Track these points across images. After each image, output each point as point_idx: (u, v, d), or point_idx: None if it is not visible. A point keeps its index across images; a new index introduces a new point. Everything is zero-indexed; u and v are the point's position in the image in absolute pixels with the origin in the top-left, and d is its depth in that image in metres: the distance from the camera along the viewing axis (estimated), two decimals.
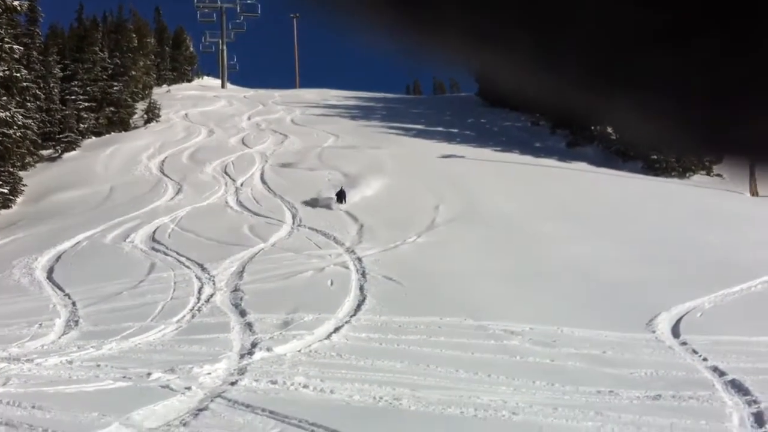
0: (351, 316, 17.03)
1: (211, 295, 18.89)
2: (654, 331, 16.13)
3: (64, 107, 48.57)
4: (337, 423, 9.42)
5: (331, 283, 19.82)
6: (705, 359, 14.14)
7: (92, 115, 51.08)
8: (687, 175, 40.22)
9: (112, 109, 53.64)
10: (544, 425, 10.36)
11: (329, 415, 10.02)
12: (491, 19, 0.95)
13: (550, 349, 14.61)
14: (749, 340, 15.15)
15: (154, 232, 26.90)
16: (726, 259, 21.43)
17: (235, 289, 19.34)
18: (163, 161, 41.92)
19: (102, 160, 42.91)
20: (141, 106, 58.07)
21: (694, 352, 14.68)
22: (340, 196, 31.25)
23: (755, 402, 11.50)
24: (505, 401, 11.35)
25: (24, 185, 37.44)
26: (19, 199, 36.30)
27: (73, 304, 18.41)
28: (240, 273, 21.09)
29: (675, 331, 16.11)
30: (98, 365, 12.98)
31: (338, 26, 1.02)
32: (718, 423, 10.55)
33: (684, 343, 15.29)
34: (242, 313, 17.11)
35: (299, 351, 14.43)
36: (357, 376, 12.68)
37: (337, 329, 15.97)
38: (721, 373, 13.19)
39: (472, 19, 0.96)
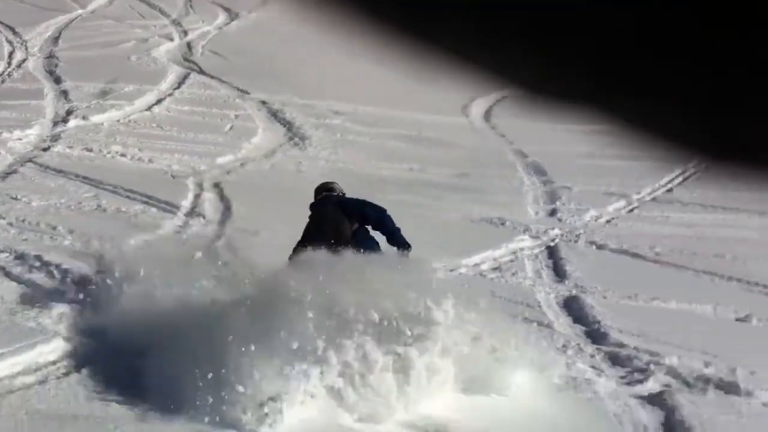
0: (174, 89, 16.64)
1: (23, 61, 17.78)
2: (468, 116, 16.94)
3: None
4: (152, 190, 9.51)
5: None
6: (511, 143, 15.14)
7: None
8: None
9: None
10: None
11: (146, 182, 10.07)
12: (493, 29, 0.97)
13: (370, 128, 15.08)
14: (554, 126, 16.25)
15: None
16: None
17: (50, 56, 18.26)
18: None
19: None
20: None
21: (502, 136, 15.65)
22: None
23: (550, 182, 12.58)
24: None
25: None
26: None
27: None
28: (55, 39, 19.82)
29: (487, 116, 16.98)
30: None
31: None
32: (515, 197, 11.51)
33: (494, 128, 16.23)
34: (57, 81, 16.29)
35: (118, 121, 14.09)
36: (177, 147, 12.66)
37: (159, 101, 15.62)
38: (524, 156, 14.22)
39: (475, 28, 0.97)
